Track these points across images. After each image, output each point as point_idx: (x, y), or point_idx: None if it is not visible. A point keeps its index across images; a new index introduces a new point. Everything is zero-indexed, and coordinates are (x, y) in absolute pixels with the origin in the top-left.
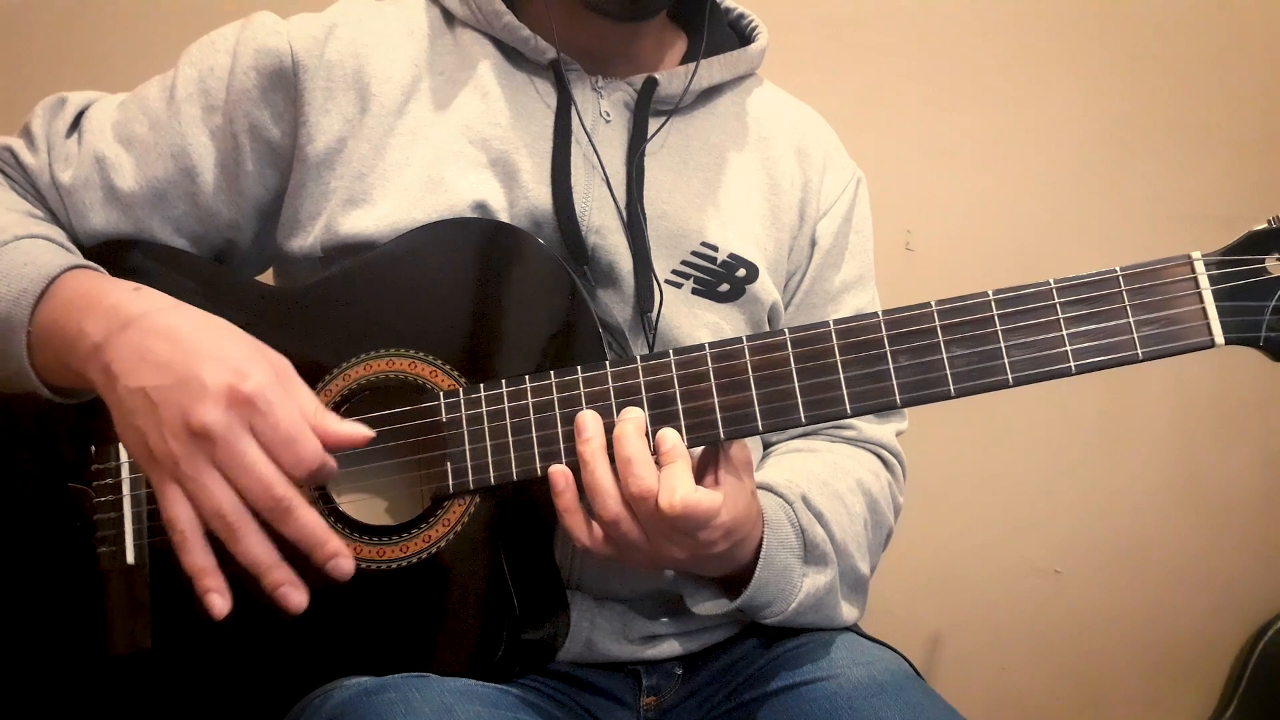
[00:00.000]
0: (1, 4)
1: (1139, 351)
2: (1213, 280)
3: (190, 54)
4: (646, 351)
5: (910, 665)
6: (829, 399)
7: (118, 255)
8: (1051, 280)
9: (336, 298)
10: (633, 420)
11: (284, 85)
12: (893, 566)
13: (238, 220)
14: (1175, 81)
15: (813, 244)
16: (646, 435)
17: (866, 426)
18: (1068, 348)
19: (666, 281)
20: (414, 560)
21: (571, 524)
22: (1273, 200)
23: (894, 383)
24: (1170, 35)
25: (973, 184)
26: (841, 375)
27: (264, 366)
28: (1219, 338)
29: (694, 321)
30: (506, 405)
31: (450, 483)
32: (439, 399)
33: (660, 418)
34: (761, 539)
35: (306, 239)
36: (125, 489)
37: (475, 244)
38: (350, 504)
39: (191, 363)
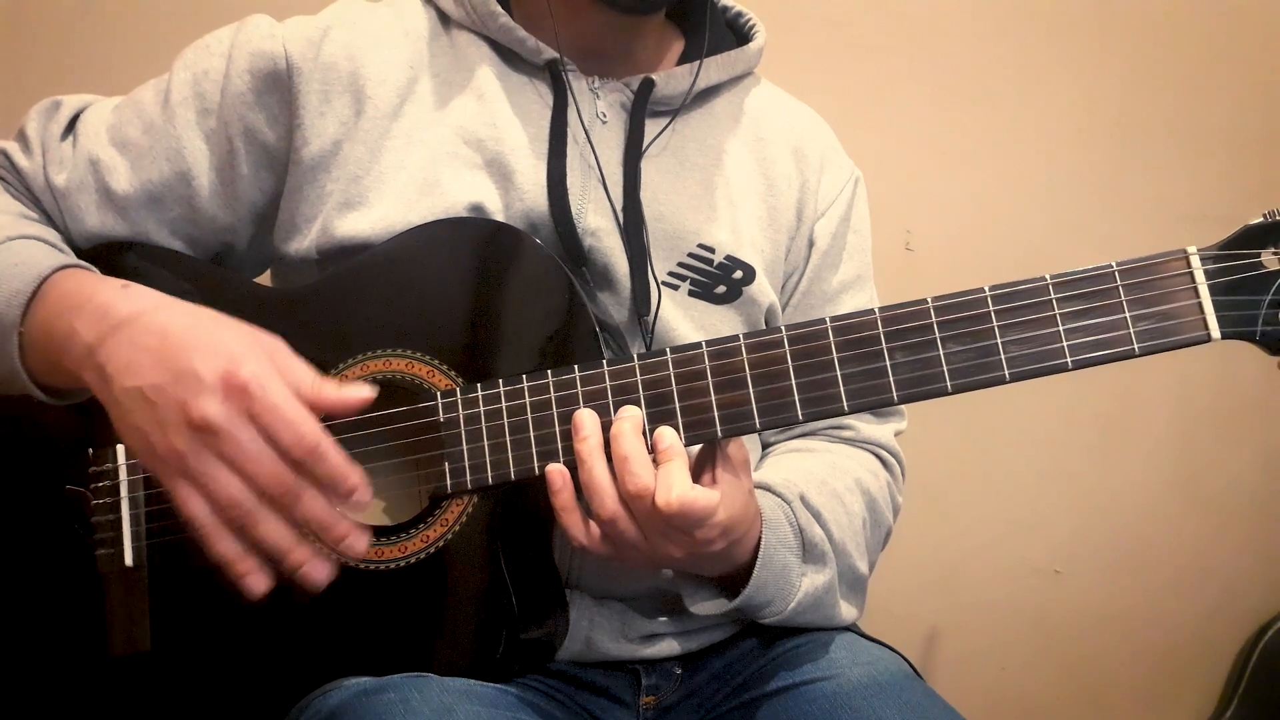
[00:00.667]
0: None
1: (1135, 346)
2: (1208, 275)
3: (185, 57)
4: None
5: (910, 665)
6: (826, 396)
7: (115, 257)
8: (1048, 276)
9: (333, 298)
10: (630, 419)
11: (278, 88)
12: (893, 566)
13: (234, 223)
14: (1175, 81)
15: (810, 245)
16: (644, 434)
17: (865, 427)
18: (1064, 343)
19: (663, 283)
20: (412, 560)
21: (569, 523)
22: (1272, 200)
23: (891, 380)
24: (1170, 35)
25: (973, 184)
26: (839, 373)
27: (255, 350)
28: (1215, 332)
29: (691, 323)
30: (504, 405)
31: (448, 483)
32: (436, 399)
33: (658, 416)
34: (760, 538)
35: (303, 242)
36: (123, 491)
37: (472, 244)
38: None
39: (184, 357)
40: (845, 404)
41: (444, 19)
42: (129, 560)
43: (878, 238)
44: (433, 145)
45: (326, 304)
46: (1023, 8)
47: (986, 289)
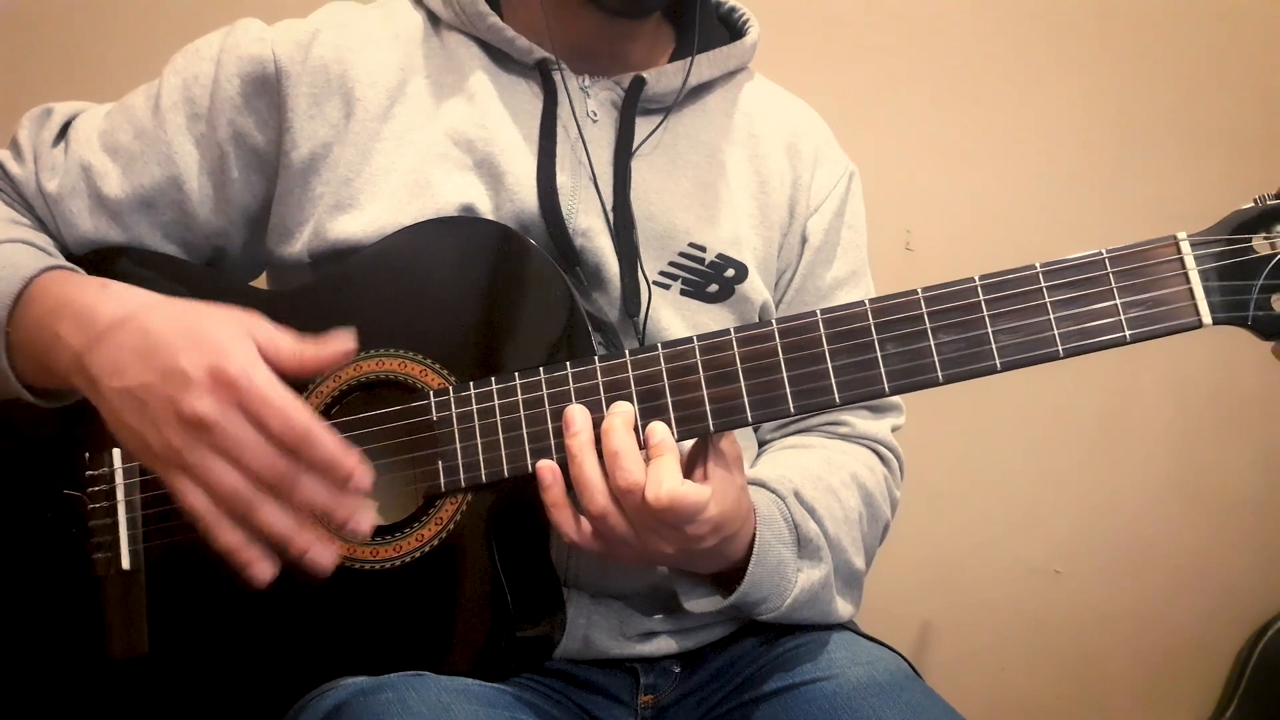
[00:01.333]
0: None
1: (1127, 333)
2: (1199, 260)
3: (175, 62)
4: None
5: (909, 665)
6: (817, 389)
7: (109, 262)
8: (1038, 264)
9: (325, 299)
10: (621, 414)
11: (267, 92)
12: (893, 566)
13: (226, 227)
14: (1175, 81)
15: (803, 241)
16: (636, 429)
17: (861, 422)
18: (1055, 331)
19: (655, 282)
20: (408, 559)
21: (559, 519)
22: None
23: (882, 370)
24: (1170, 35)
25: (972, 184)
26: (830, 365)
27: (238, 337)
28: (1206, 317)
29: (683, 322)
30: (496, 402)
31: (442, 481)
32: (429, 398)
33: (650, 411)
34: (754, 535)
35: (295, 245)
36: (120, 494)
37: (464, 242)
38: None
39: (169, 354)
40: (836, 395)
41: (434, 20)
42: (126, 563)
43: (877, 238)
44: (423, 147)
45: (319, 305)
46: (1022, 8)
47: (976, 278)
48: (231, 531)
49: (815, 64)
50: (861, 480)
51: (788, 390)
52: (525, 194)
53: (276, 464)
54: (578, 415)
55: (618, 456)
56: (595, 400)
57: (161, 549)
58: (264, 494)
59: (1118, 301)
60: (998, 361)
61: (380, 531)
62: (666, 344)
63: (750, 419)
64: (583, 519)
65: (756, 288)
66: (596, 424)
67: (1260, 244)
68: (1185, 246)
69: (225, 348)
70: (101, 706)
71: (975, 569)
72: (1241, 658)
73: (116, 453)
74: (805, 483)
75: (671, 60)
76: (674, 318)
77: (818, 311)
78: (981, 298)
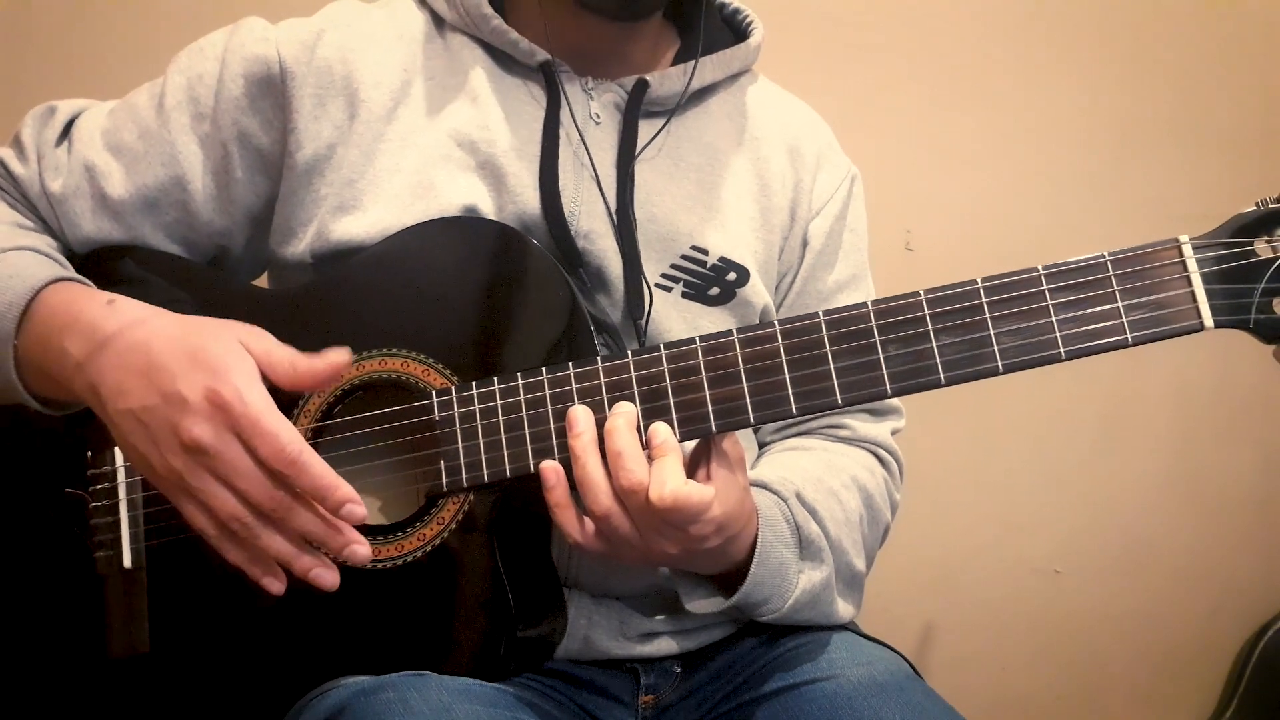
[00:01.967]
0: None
1: (1128, 336)
2: (1201, 263)
3: (179, 61)
4: None
5: (910, 665)
6: (820, 390)
7: (111, 262)
8: (1040, 266)
9: (328, 299)
10: (624, 414)
11: (272, 93)
12: (893, 566)
13: (229, 227)
14: (1175, 81)
15: (804, 244)
16: (638, 430)
17: (861, 425)
18: (1057, 334)
19: (656, 285)
20: (409, 559)
21: (563, 520)
22: None
23: (884, 372)
24: (1170, 35)
25: (973, 184)
26: (832, 366)
27: (236, 357)
28: (1208, 320)
29: (685, 325)
30: (499, 403)
31: (444, 481)
32: (431, 398)
33: (652, 412)
34: (756, 536)
35: (298, 245)
36: (121, 493)
37: (465, 242)
38: None
39: (169, 377)
40: (839, 397)
41: (438, 21)
42: (128, 562)
43: (878, 238)
44: (426, 148)
45: (322, 304)
46: (1023, 8)
47: (979, 280)
48: (237, 550)
49: (816, 64)
50: (862, 483)
51: (790, 391)
52: (528, 196)
53: (269, 492)
54: (580, 416)
55: (621, 457)
56: (597, 400)
57: (163, 548)
58: (263, 519)
59: (1119, 304)
60: (999, 363)
61: (382, 531)
62: (669, 344)
63: (752, 419)
64: (586, 520)
65: (758, 291)
66: (599, 424)
67: (1262, 247)
68: (1187, 249)
69: (222, 368)
70: (102, 706)
71: (976, 569)
72: (1241, 658)
73: (118, 451)
74: (807, 484)
75: (675, 62)
76: (676, 320)
77: (820, 312)
78: (984, 299)
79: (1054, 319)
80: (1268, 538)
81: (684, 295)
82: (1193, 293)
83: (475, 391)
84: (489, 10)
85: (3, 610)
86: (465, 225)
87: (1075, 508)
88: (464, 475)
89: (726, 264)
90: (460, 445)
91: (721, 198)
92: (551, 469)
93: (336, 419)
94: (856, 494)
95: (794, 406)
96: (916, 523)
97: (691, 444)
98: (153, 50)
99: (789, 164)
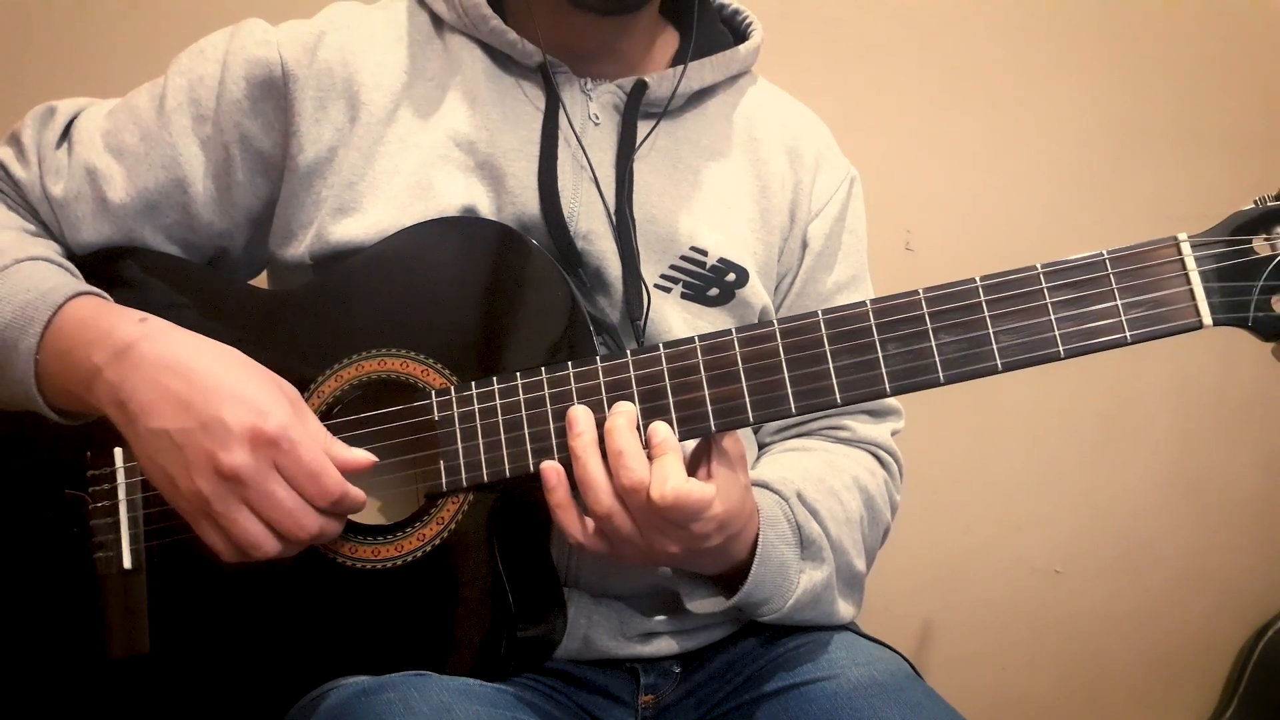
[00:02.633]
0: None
1: (1127, 334)
2: (1199, 261)
3: (180, 62)
4: None
5: (910, 665)
6: (819, 389)
7: (112, 264)
8: (1038, 265)
9: (327, 299)
10: (624, 414)
11: (274, 95)
12: (893, 566)
13: (229, 229)
14: (1175, 82)
15: (804, 246)
16: (638, 429)
17: (861, 427)
18: (1056, 332)
19: (655, 286)
20: (409, 559)
21: (565, 520)
22: None
23: (883, 371)
24: (1170, 36)
25: (973, 184)
26: (831, 365)
27: (282, 402)
28: (1207, 318)
29: (684, 326)
30: (498, 402)
31: (443, 481)
32: (431, 398)
33: (651, 411)
34: (757, 535)
35: (298, 247)
36: (121, 494)
37: (465, 242)
38: None
39: (211, 403)
40: (838, 396)
41: (437, 22)
42: (127, 563)
43: (877, 238)
44: (425, 149)
45: (321, 305)
46: (1023, 8)
47: (978, 279)
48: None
49: (815, 64)
50: (863, 483)
51: (789, 390)
52: (527, 196)
53: (306, 524)
54: (580, 416)
55: (622, 456)
56: (597, 400)
57: (163, 549)
58: (280, 545)
59: (1119, 302)
60: (999, 362)
61: (382, 531)
62: (668, 344)
63: (752, 419)
64: (588, 520)
65: (757, 292)
66: (599, 424)
67: (1261, 245)
68: (1186, 248)
69: (266, 406)
70: (102, 706)
71: (976, 569)
72: (1241, 658)
73: (118, 452)
74: (807, 484)
75: (674, 64)
76: (675, 321)
77: (819, 312)
78: (983, 298)
79: (1053, 317)
80: (1268, 538)
81: (683, 296)
82: (1191, 291)
83: (475, 391)
84: (488, 11)
85: (3, 610)
86: (464, 225)
87: (1075, 508)
88: (463, 475)
89: (726, 265)
90: (460, 445)
91: (721, 199)
92: (552, 469)
93: (336, 419)
94: (857, 494)
95: (793, 406)
96: (916, 523)
97: (692, 443)
98: (153, 50)
99: (788, 165)
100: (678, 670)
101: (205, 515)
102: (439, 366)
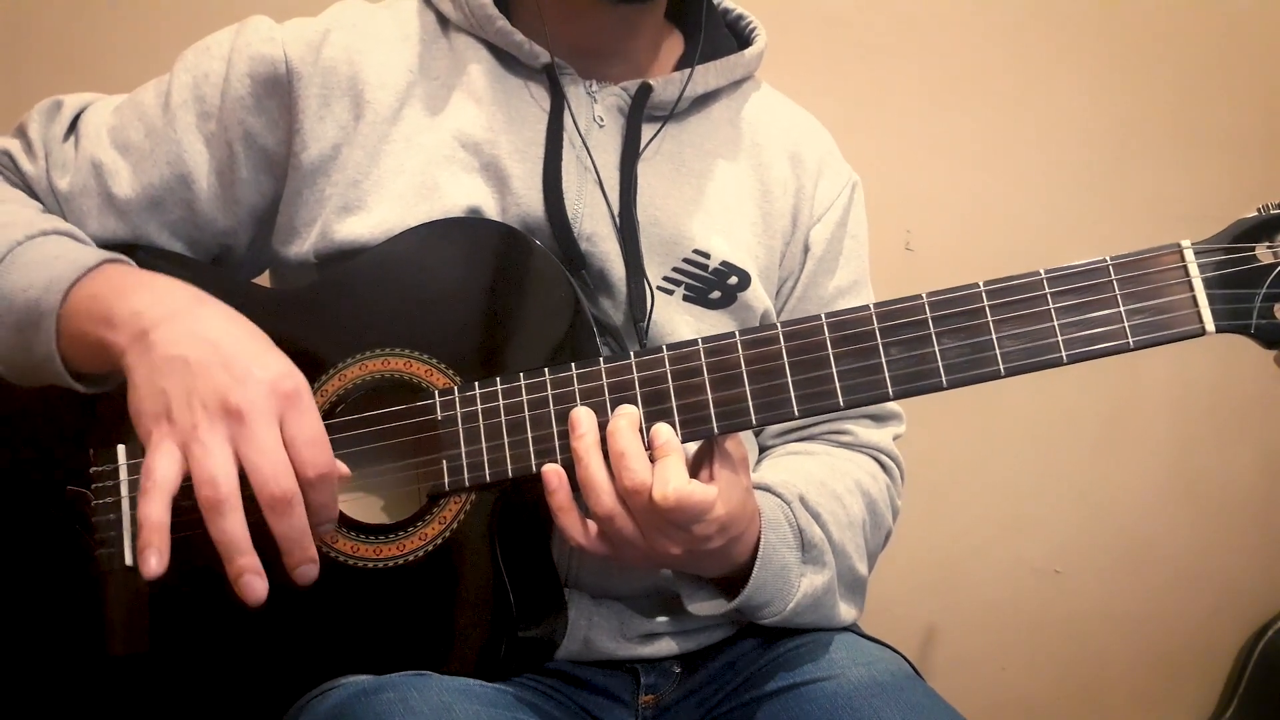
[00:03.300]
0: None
1: (1130, 340)
2: (1202, 268)
3: (185, 59)
4: None
5: (910, 665)
6: (822, 392)
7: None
8: (1042, 270)
9: (331, 299)
10: (626, 415)
11: (278, 93)
12: (893, 566)
13: (233, 226)
14: (1175, 82)
15: (805, 250)
16: (640, 431)
17: (863, 431)
18: (1059, 337)
19: (658, 288)
20: (411, 559)
21: (566, 523)
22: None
23: (886, 375)
24: (1170, 36)
25: (973, 184)
26: (834, 368)
27: (302, 377)
28: (1209, 326)
29: (686, 328)
30: (501, 403)
31: (446, 480)
32: (434, 398)
33: (654, 414)
34: (759, 538)
35: (302, 245)
36: (123, 491)
37: (469, 243)
38: (347, 503)
39: (242, 351)
40: (841, 400)
41: (443, 22)
42: (129, 560)
43: (877, 238)
44: (430, 149)
45: (325, 304)
46: (1023, 8)
47: (981, 284)
48: (161, 509)
49: (816, 65)
50: (865, 487)
51: (792, 393)
52: (531, 197)
53: (284, 480)
54: (583, 417)
55: (624, 457)
56: (599, 402)
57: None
58: (238, 499)
59: (1121, 309)
60: (1001, 367)
61: (384, 530)
62: (671, 346)
63: (754, 421)
64: (589, 522)
65: (758, 295)
66: (601, 426)
67: (1263, 253)
68: (1189, 254)
69: (291, 369)
70: (102, 704)
71: (977, 570)
72: (1241, 658)
73: (121, 449)
74: (810, 488)
75: (679, 67)
76: (677, 323)
77: (822, 315)
78: (986, 303)
79: (1056, 323)
80: (1268, 538)
81: (685, 298)
82: (1194, 297)
83: (478, 391)
84: (494, 11)
85: (3, 608)
86: (469, 226)
87: (1075, 508)
88: (466, 475)
89: (728, 268)
90: (462, 445)
91: (724, 202)
92: (554, 472)
93: (339, 418)
94: (859, 498)
95: (796, 408)
96: (917, 524)
97: (694, 445)
98: (156, 48)
99: (791, 170)
100: (678, 670)
101: (179, 442)
102: (442, 366)
